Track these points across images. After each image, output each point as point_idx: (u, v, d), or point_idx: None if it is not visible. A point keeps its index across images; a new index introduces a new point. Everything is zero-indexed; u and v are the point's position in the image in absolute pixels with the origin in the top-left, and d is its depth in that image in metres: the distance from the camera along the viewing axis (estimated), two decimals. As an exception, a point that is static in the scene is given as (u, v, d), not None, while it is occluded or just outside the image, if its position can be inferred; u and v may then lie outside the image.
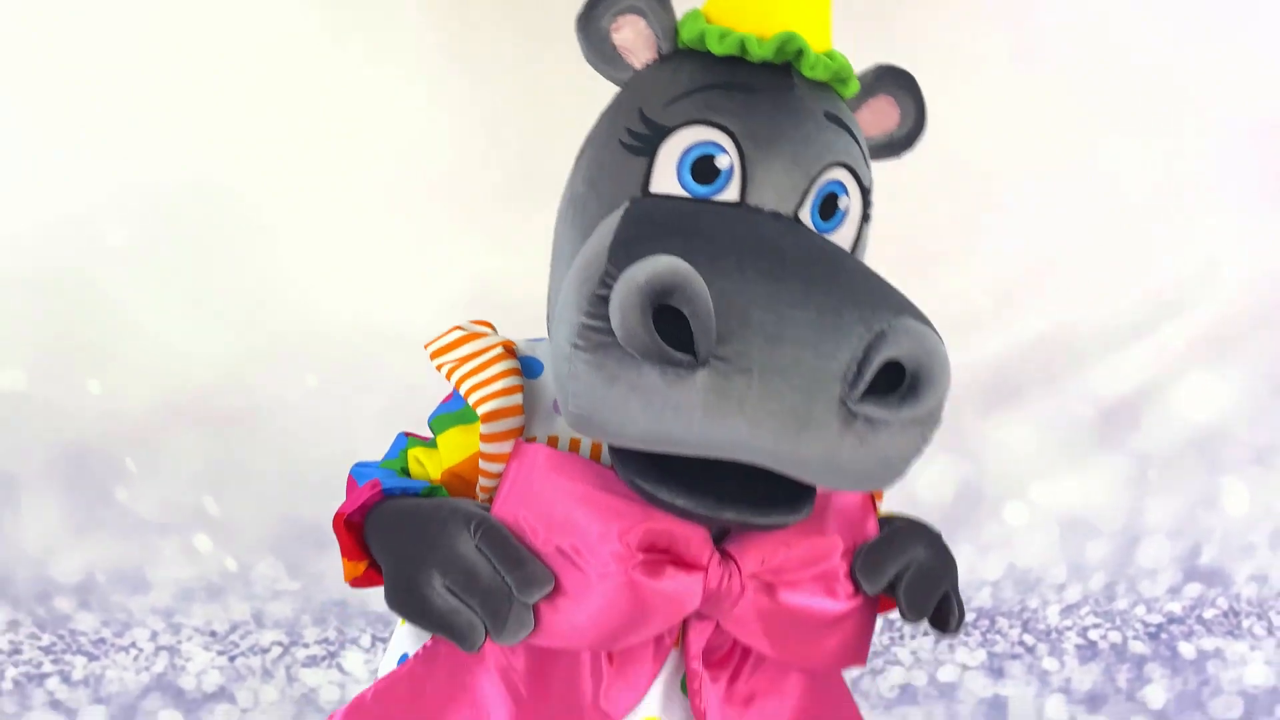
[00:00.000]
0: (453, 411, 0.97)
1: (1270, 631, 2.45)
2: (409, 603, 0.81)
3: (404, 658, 0.94)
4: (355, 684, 2.31)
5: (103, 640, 2.37)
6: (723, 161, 0.85)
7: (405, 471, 0.98)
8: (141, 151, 2.24)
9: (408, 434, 1.01)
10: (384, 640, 2.33)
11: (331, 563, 2.06)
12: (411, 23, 2.30)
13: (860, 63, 1.04)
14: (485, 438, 0.88)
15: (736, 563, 0.81)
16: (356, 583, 0.94)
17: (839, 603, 0.86)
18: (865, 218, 0.95)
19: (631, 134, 0.88)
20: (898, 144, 1.05)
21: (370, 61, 2.30)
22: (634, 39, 0.94)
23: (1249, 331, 2.40)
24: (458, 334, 0.96)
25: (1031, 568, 2.50)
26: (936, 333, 0.79)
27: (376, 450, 1.99)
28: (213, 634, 2.38)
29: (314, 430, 2.32)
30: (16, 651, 2.32)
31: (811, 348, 0.71)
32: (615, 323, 0.69)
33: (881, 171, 1.95)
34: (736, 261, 0.73)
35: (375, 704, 0.93)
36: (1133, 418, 2.44)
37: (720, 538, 0.83)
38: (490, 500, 0.86)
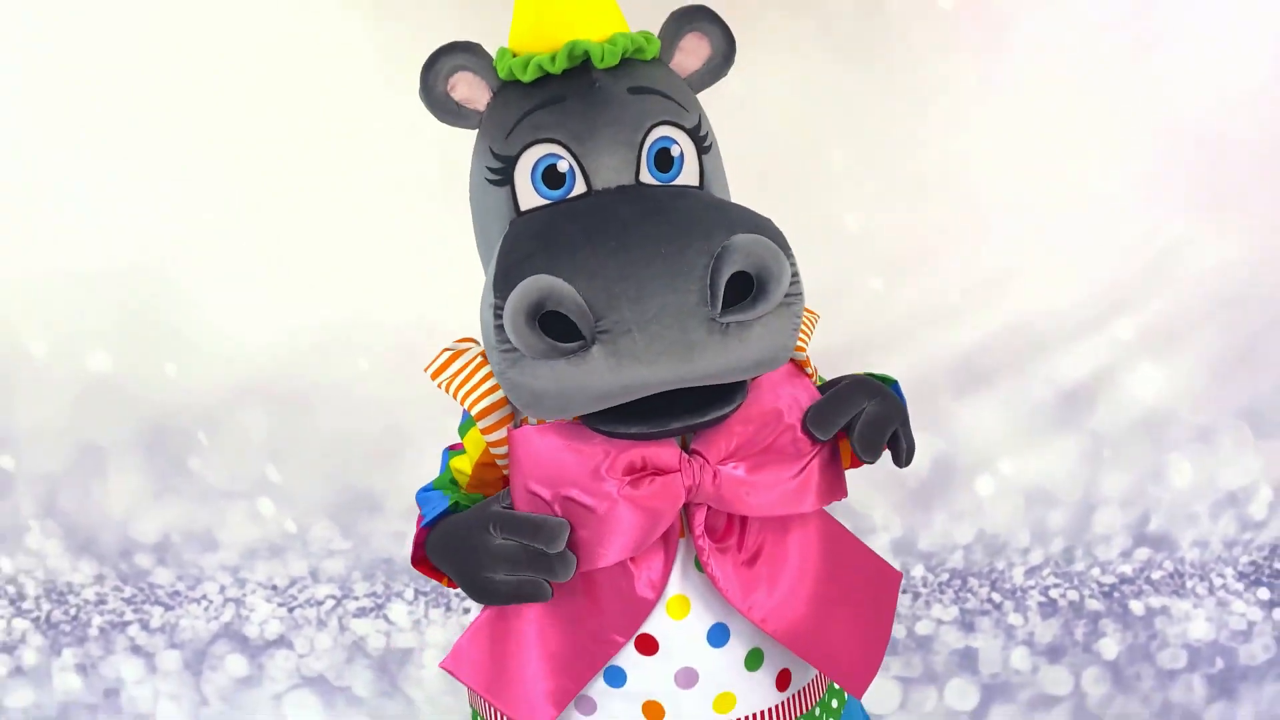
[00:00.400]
0: (466, 419, 1.17)
1: (1211, 591, 2.63)
2: (485, 596, 1.03)
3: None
4: (399, 632, 2.55)
5: (177, 593, 2.61)
6: (562, 166, 0.99)
7: (454, 481, 1.20)
8: (213, 159, 2.43)
9: (449, 448, 1.24)
10: (425, 594, 2.56)
11: (379, 525, 2.31)
12: (437, 37, 2.46)
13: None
14: (484, 431, 1.10)
15: (704, 455, 1.01)
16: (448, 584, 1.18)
17: (800, 457, 1.04)
18: (704, 150, 1.06)
19: (490, 170, 1.02)
20: (718, 66, 1.14)
21: (404, 72, 2.48)
22: (469, 91, 1.06)
23: (1193, 324, 2.54)
24: (446, 354, 1.14)
25: (999, 533, 2.65)
26: (771, 232, 0.94)
27: (416, 424, 2.25)
28: (274, 588, 2.61)
29: (364, 408, 2.52)
30: (102, 602, 2.57)
31: (669, 292, 0.86)
32: (515, 342, 0.86)
33: (869, 182, 2.17)
34: (590, 250, 0.88)
35: (470, 645, 1.14)
36: (1089, 401, 2.59)
37: (686, 445, 1.04)
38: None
